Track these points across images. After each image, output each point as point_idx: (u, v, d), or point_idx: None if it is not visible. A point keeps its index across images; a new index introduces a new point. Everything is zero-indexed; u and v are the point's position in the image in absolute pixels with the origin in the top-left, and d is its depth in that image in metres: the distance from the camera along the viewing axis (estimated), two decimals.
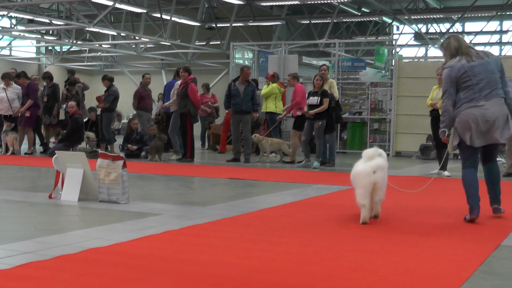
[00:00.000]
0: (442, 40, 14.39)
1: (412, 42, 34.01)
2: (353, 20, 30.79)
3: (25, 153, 16.02)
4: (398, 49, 25.06)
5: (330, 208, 7.77)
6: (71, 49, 34.22)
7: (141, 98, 16.48)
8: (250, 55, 22.77)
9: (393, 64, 20.49)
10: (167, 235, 5.69)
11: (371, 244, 5.49)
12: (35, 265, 4.44)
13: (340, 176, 12.11)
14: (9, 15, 28.61)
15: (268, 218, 6.91)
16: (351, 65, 20.32)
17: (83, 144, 15.80)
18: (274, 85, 16.29)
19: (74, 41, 29.19)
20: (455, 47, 6.85)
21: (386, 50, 23.49)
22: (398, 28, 35.11)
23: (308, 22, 29.98)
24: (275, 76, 16.61)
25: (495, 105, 6.61)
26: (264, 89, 16.46)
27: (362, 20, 30.76)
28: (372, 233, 6.04)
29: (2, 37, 31.76)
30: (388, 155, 18.53)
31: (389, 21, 31.18)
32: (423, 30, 32.56)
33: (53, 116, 16.25)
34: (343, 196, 8.89)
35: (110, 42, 32.62)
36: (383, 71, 22.97)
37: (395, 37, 34.07)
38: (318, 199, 8.68)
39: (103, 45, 33.35)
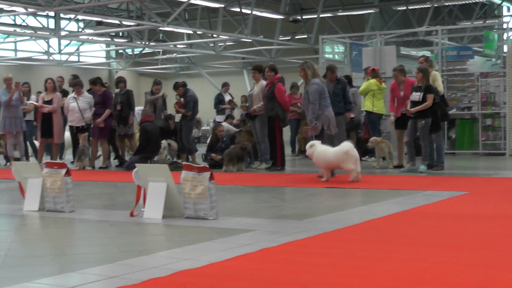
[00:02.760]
0: None
1: None
2: (456, 3, 30.24)
3: (100, 167, 16.38)
4: (510, 33, 24.48)
5: (442, 218, 7.63)
6: (143, 52, 34.80)
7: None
8: (341, 48, 22.68)
9: (505, 50, 20.04)
10: (264, 253, 5.69)
11: (497, 258, 5.35)
12: None
13: (451, 180, 11.91)
14: (76, 18, 29.34)
15: (373, 230, 6.85)
16: (457, 54, 19.99)
17: (162, 155, 16.02)
18: (372, 81, 16.17)
19: (147, 43, 29.67)
20: (314, 69, 12.75)
21: (496, 35, 23.00)
22: (509, 9, 34.32)
23: (404, 8, 29.61)
24: (375, 71, 16.45)
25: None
26: (363, 85, 16.37)
27: (467, 2, 30.19)
28: (495, 243, 5.89)
29: (69, 43, 32.61)
30: (503, 154, 18.20)
31: (498, 1, 30.51)
32: None
33: (128, 126, 16.55)
34: (456, 204, 8.73)
35: (185, 41, 33.02)
36: (493, 59, 22.48)
37: (505, 19, 33.28)
38: (427, 208, 8.54)
39: (178, 46, 33.81)
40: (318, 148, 11.80)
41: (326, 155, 11.74)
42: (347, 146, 11.58)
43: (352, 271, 4.95)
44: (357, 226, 7.09)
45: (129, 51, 36.23)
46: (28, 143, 18.34)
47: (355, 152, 11.65)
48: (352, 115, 15.91)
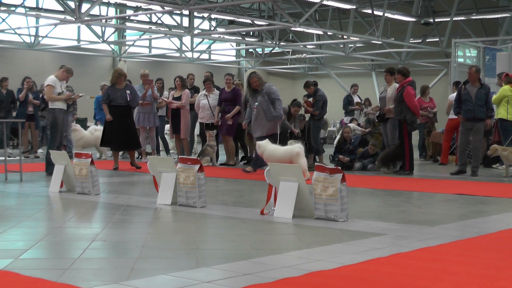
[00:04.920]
0: None
1: None
2: None
3: (220, 164, 16.54)
4: None
5: None
6: (273, 51, 35.03)
7: None
8: (474, 52, 22.17)
9: None
10: (396, 258, 5.63)
11: None
12: None
13: None
14: (209, 17, 29.82)
15: (509, 241, 6.67)
16: None
17: None
18: (506, 87, 15.69)
19: (277, 42, 29.84)
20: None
21: None
22: None
23: None
24: (510, 76, 15.98)
25: None
26: (498, 93, 15.90)
27: None
28: None
29: (202, 41, 33.18)
30: None
31: None
32: None
33: None
34: None
35: (315, 42, 33.02)
36: None
37: None
38: None
39: (307, 46, 33.85)
40: (268, 147, 12.78)
41: (277, 153, 12.58)
42: (297, 146, 12.61)
43: (488, 282, 4.84)
44: (492, 236, 6.91)
45: (259, 50, 36.50)
46: (159, 138, 18.75)
47: (303, 153, 12.68)
48: (491, 122, 15.27)
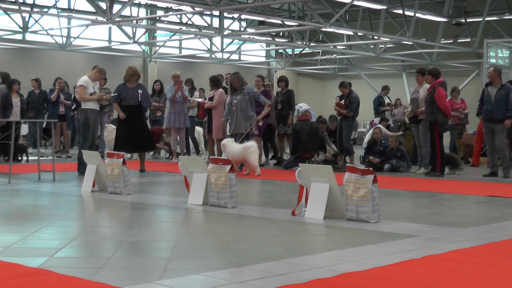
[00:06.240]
0: None
1: None
2: None
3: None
4: None
5: None
6: (302, 52, 35.02)
7: None
8: (506, 53, 22.00)
9: None
10: (429, 260, 5.61)
11: None
12: None
13: None
14: (239, 18, 29.87)
15: None
16: None
17: (321, 156, 16.04)
18: None
19: (307, 43, 29.81)
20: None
21: None
22: None
23: None
24: None
25: None
26: None
27: None
28: None
29: (232, 41, 33.25)
30: None
31: None
32: None
33: (288, 125, 16.68)
34: None
35: (345, 43, 32.97)
36: None
37: None
38: None
39: (337, 47, 33.80)
40: (229, 145, 14.12)
41: (233, 150, 13.90)
42: (250, 143, 13.97)
43: None
44: None
45: (289, 51, 36.52)
46: (190, 138, 18.81)
47: (257, 150, 14.13)
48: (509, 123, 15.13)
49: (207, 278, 4.91)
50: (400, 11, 25.56)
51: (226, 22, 29.13)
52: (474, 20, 29.15)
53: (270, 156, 17.53)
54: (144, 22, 30.99)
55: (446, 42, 31.51)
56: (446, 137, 16.22)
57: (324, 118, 17.21)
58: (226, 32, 27.61)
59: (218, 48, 32.28)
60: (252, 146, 13.86)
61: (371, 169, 7.77)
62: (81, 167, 12.78)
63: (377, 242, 6.46)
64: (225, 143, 14.27)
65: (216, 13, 25.99)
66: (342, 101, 16.34)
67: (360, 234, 6.94)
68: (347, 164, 8.27)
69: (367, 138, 17.66)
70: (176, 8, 27.61)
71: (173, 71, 17.83)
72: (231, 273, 5.11)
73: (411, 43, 28.63)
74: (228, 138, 14.60)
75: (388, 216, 8.16)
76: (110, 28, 30.96)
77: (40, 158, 13.58)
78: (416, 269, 5.25)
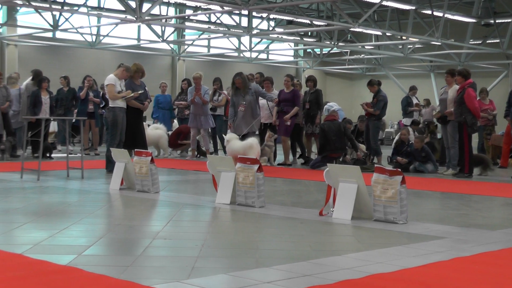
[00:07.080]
0: None
1: None
2: None
3: (278, 164, 16.52)
4: None
5: None
6: (330, 51, 34.94)
7: None
8: None
9: None
10: (458, 262, 5.57)
11: None
12: None
13: None
14: (268, 17, 29.85)
15: None
16: None
17: (353, 155, 16.00)
18: None
19: (335, 43, 29.71)
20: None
21: None
22: None
23: None
24: None
25: None
26: None
27: None
28: None
29: (260, 40, 33.22)
30: None
31: None
32: None
33: (315, 125, 16.62)
34: None
35: (374, 43, 32.85)
36: None
37: None
38: None
39: (365, 47, 33.67)
40: (232, 141, 14.46)
41: (235, 146, 14.26)
42: (251, 140, 14.45)
43: None
44: None
45: (317, 50, 36.43)
46: (218, 137, 18.85)
47: (258, 146, 14.53)
48: None
49: (235, 278, 4.90)
50: (429, 12, 25.39)
51: (255, 22, 29.11)
52: (503, 21, 28.90)
53: (297, 156, 17.50)
54: (173, 21, 31.03)
55: (475, 42, 31.25)
56: (474, 138, 16.09)
57: (349, 119, 17.21)
58: (254, 32, 27.63)
59: (246, 47, 32.25)
60: (253, 143, 14.34)
61: (399, 170, 7.73)
62: (110, 165, 12.81)
63: (405, 244, 6.42)
64: (229, 138, 14.61)
65: (245, 12, 26.02)
66: (366, 102, 16.31)
67: (387, 235, 6.91)
68: (376, 165, 8.21)
69: (396, 138, 17.59)
70: (205, 7, 27.64)
71: (194, 73, 17.97)
72: (258, 273, 5.10)
73: (440, 44, 28.42)
74: (232, 134, 14.99)
75: (416, 217, 8.11)
76: (139, 27, 31.09)
77: (69, 155, 13.63)
78: (444, 271, 5.21)
